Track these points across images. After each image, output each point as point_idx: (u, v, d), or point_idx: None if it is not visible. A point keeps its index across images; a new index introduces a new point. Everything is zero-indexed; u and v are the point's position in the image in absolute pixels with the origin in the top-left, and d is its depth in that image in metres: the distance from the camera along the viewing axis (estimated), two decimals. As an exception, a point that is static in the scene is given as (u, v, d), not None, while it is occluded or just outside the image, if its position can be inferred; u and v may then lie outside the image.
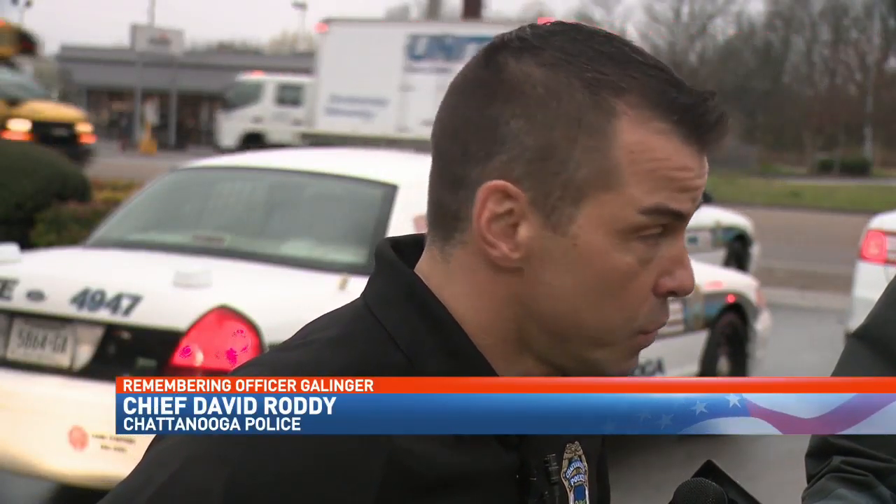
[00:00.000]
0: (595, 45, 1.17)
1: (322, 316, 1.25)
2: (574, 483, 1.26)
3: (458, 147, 1.18)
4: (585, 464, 1.29)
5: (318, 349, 1.17)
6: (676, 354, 7.57)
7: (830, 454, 1.73)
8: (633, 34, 70.41)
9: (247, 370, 1.18)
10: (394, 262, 1.22)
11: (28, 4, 73.00)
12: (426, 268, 1.21)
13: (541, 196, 1.15)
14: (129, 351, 5.29)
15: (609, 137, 1.15)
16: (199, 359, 5.17)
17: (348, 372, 1.14)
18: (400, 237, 1.27)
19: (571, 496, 1.26)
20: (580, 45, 1.17)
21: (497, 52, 1.19)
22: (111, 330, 5.32)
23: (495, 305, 1.18)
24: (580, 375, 1.23)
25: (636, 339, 1.19)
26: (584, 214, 1.15)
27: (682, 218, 1.17)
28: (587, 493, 1.29)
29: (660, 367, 7.40)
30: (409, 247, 1.26)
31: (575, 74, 1.16)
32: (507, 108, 1.16)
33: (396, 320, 1.19)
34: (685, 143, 1.16)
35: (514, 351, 1.20)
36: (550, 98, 1.15)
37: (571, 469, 1.26)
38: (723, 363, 8.06)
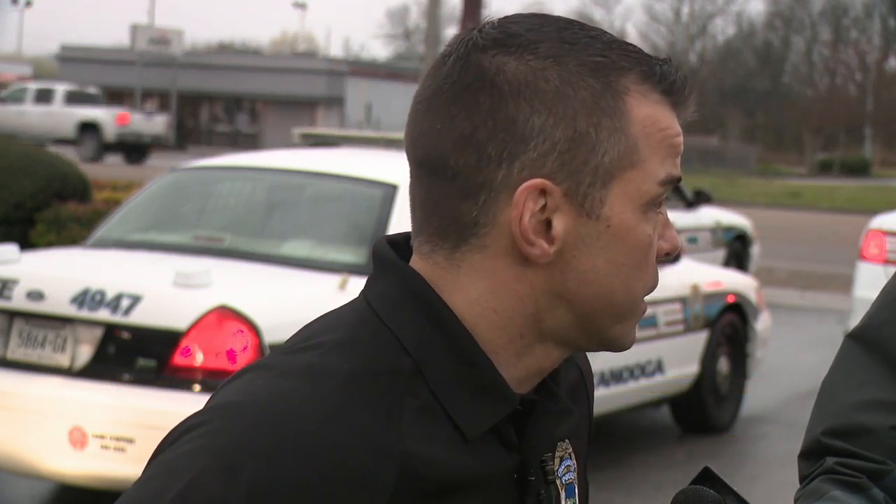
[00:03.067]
0: (581, 31, 1.20)
1: (323, 316, 1.23)
2: (565, 481, 1.27)
3: (472, 154, 1.16)
4: (575, 462, 1.29)
5: (325, 353, 1.16)
6: (676, 354, 7.57)
7: (824, 455, 1.72)
8: (633, 34, 70.42)
9: (254, 373, 1.17)
10: (396, 262, 1.22)
11: (28, 4, 73.03)
12: (426, 273, 1.20)
13: (573, 186, 1.16)
14: (129, 351, 5.30)
15: (625, 116, 1.17)
16: (198, 359, 5.18)
17: (358, 376, 1.15)
18: (395, 235, 1.26)
19: (563, 494, 1.27)
20: (570, 32, 1.19)
21: (483, 52, 1.18)
22: (111, 330, 5.32)
23: (516, 303, 1.19)
24: (594, 351, 1.26)
25: (642, 306, 1.23)
26: (613, 195, 1.17)
27: (678, 183, 1.22)
28: (577, 490, 1.30)
29: (660, 367, 7.40)
30: (404, 245, 1.25)
31: (580, 61, 1.17)
32: (523, 106, 1.16)
33: (404, 323, 1.18)
34: (673, 109, 1.21)
35: (530, 343, 1.20)
36: (566, 88, 1.16)
37: (563, 467, 1.27)
38: (723, 363, 8.07)
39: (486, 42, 1.18)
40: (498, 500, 1.20)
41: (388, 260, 1.22)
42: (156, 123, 38.80)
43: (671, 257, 1.24)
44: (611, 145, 1.17)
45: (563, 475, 1.27)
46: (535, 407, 1.22)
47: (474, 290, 1.19)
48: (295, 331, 1.23)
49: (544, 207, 1.16)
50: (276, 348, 1.23)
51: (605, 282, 1.18)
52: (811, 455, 1.75)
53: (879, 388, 1.72)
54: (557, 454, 1.26)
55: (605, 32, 1.21)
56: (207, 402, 1.17)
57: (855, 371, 1.76)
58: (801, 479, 1.75)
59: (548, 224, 1.17)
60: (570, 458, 1.28)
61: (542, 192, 1.16)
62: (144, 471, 1.15)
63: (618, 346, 1.24)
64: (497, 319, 1.19)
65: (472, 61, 1.18)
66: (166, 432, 1.16)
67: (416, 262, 1.21)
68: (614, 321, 1.21)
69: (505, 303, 1.19)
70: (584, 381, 1.36)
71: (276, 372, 1.16)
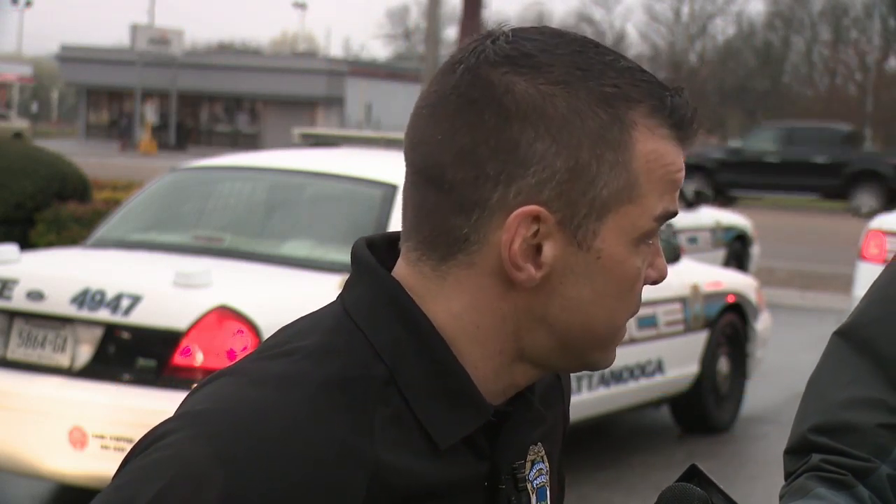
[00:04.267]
0: (596, 56, 1.17)
1: (299, 320, 1.23)
2: (537, 485, 1.27)
3: (470, 171, 1.15)
4: (547, 464, 1.29)
5: (299, 360, 1.16)
6: (676, 354, 7.57)
7: (809, 452, 1.72)
8: (633, 34, 70.31)
9: (225, 379, 1.17)
10: (375, 267, 1.21)
11: (28, 4, 72.99)
12: (409, 280, 1.19)
13: (568, 216, 1.15)
14: (129, 351, 5.29)
15: (629, 150, 1.16)
16: (199, 359, 5.18)
17: (331, 384, 1.14)
18: (374, 237, 1.25)
19: (534, 498, 1.26)
20: (585, 57, 1.16)
21: (493, 67, 1.16)
22: (111, 330, 5.32)
23: (498, 321, 1.18)
24: (572, 372, 1.26)
25: (623, 332, 1.23)
26: (607, 228, 1.16)
27: (672, 218, 1.21)
28: (549, 493, 1.29)
29: (660, 367, 7.40)
30: (384, 246, 1.24)
31: (590, 90, 1.15)
32: (528, 130, 1.14)
33: (379, 331, 1.17)
34: (679, 144, 1.19)
35: (509, 362, 1.20)
36: (574, 117, 1.14)
37: (534, 471, 1.27)
38: (723, 363, 8.07)
39: (497, 58, 1.16)
40: None
41: (367, 264, 1.21)
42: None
43: (656, 283, 1.24)
44: (611, 179, 1.15)
45: (535, 479, 1.26)
46: (510, 418, 1.22)
47: (457, 304, 1.18)
48: None
49: (536, 233, 1.15)
50: (250, 352, 1.22)
51: (589, 310, 1.18)
52: (797, 452, 1.75)
53: (866, 385, 1.72)
54: (529, 458, 1.26)
55: (621, 57, 1.18)
56: (178, 408, 1.17)
57: (842, 368, 1.75)
58: (787, 476, 1.75)
59: (538, 249, 1.16)
60: (543, 462, 1.28)
61: (536, 218, 1.15)
62: (114, 478, 1.14)
63: (595, 368, 1.24)
64: (478, 335, 1.18)
65: (481, 75, 1.16)
66: None
67: (401, 267, 1.20)
68: (594, 348, 1.21)
69: (487, 320, 1.18)
70: (559, 382, 1.36)
71: (247, 379, 1.15)
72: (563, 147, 1.14)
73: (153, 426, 1.15)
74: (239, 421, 1.11)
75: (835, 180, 29.39)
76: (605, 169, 1.15)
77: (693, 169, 28.18)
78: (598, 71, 1.16)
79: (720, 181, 29.55)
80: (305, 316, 1.23)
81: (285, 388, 1.13)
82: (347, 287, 1.22)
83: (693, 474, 1.35)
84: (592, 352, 1.21)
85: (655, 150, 1.16)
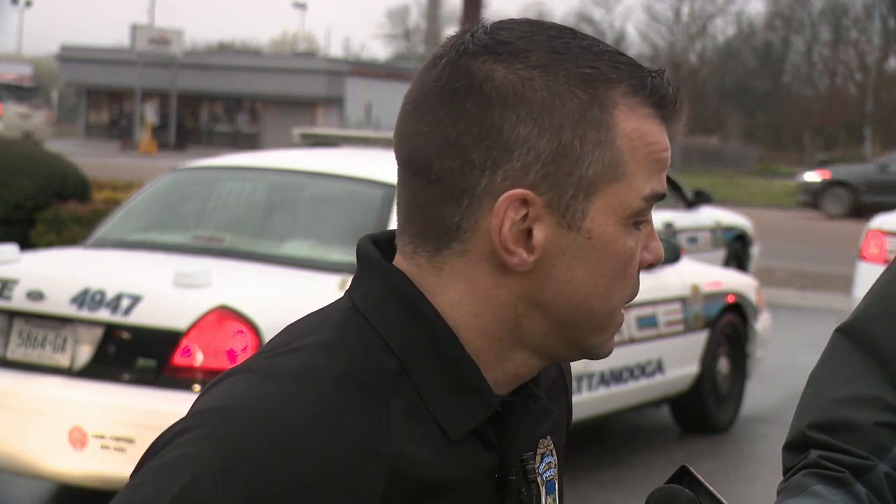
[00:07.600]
0: (573, 41, 1.19)
1: (307, 317, 1.24)
2: (546, 478, 1.28)
3: (456, 160, 1.17)
4: (556, 458, 1.30)
5: (311, 355, 1.16)
6: (676, 354, 7.57)
7: (808, 448, 1.72)
8: (632, 34, 70.29)
9: (238, 377, 1.17)
10: (381, 262, 1.22)
11: (28, 4, 72.97)
12: (410, 273, 1.20)
13: (556, 197, 1.16)
14: (129, 351, 5.29)
15: (612, 129, 1.17)
16: (198, 359, 5.17)
17: (345, 377, 1.15)
18: (377, 234, 1.26)
19: (543, 491, 1.27)
20: (562, 42, 1.18)
21: (473, 58, 1.18)
22: (111, 330, 5.32)
23: (496, 309, 1.19)
24: (573, 360, 1.26)
25: (620, 316, 1.23)
26: (595, 207, 1.17)
27: (661, 199, 1.22)
28: (557, 486, 1.30)
29: (660, 367, 7.40)
30: (386, 243, 1.25)
31: (569, 72, 1.17)
32: (509, 115, 1.16)
33: (389, 323, 1.18)
34: (662, 123, 1.20)
35: (508, 349, 1.21)
36: (553, 99, 1.16)
37: (544, 464, 1.28)
38: (723, 363, 8.07)
39: (476, 48, 1.18)
40: (478, 500, 1.20)
41: (373, 259, 1.23)
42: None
43: (654, 267, 1.25)
44: (595, 158, 1.16)
45: (544, 472, 1.28)
46: (516, 408, 1.23)
47: (455, 294, 1.19)
48: None
49: (525, 216, 1.16)
50: (259, 351, 1.22)
51: (583, 292, 1.19)
52: (796, 447, 1.75)
53: (866, 383, 1.72)
54: (539, 451, 1.27)
55: (599, 42, 1.20)
56: (192, 407, 1.17)
57: (842, 366, 1.76)
58: (785, 472, 1.75)
59: (529, 233, 1.17)
60: (552, 455, 1.29)
61: (524, 202, 1.16)
62: (133, 477, 1.14)
63: (596, 355, 1.24)
64: (477, 323, 1.19)
65: (461, 66, 1.18)
66: None
67: (399, 262, 1.22)
68: (592, 331, 1.22)
69: (485, 307, 1.19)
70: (563, 378, 1.37)
71: (261, 375, 1.15)
72: (545, 129, 1.16)
73: (168, 426, 1.15)
74: (254, 418, 1.11)
75: None
76: (588, 148, 1.16)
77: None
78: (575, 54, 1.18)
79: None
80: (312, 313, 1.24)
81: (299, 383, 1.14)
82: (354, 283, 1.23)
83: (683, 475, 1.34)
84: (590, 336, 1.22)
85: (638, 128, 1.18)
